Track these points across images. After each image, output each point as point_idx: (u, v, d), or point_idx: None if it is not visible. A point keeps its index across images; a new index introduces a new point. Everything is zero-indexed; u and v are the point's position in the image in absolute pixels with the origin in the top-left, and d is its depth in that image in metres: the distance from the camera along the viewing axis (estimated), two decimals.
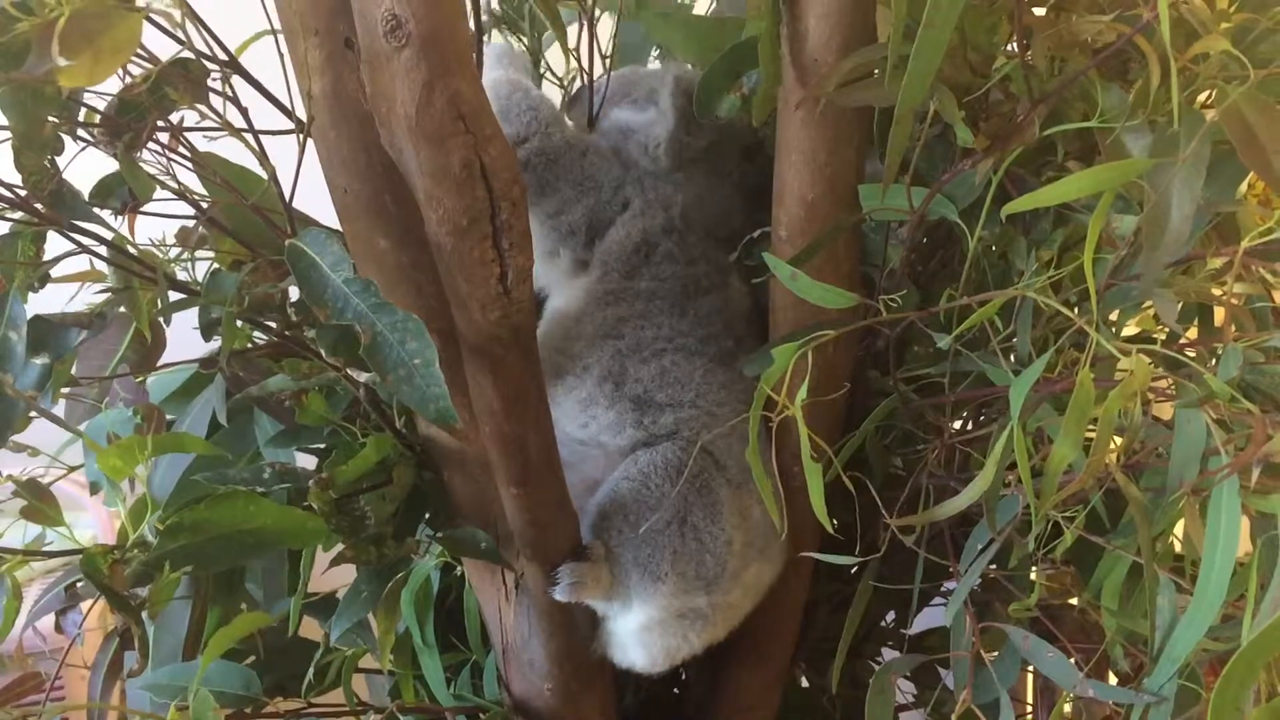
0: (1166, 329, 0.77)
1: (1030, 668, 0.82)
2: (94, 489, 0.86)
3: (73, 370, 0.83)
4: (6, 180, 0.75)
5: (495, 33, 1.07)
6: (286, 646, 0.95)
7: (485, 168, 0.65)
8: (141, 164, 0.78)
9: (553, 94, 1.01)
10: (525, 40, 1.08)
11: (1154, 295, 0.65)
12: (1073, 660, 0.75)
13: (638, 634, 0.88)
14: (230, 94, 0.76)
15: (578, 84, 1.04)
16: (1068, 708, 0.83)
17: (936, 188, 0.73)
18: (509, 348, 0.73)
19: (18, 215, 0.76)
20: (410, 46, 0.62)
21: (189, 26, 0.70)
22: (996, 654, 0.80)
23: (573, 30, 1.00)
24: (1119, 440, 0.68)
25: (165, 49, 0.73)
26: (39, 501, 0.80)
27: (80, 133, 0.76)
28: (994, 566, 0.85)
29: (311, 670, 0.93)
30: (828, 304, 0.73)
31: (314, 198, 0.80)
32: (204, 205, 0.86)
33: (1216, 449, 0.61)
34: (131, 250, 0.82)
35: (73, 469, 0.94)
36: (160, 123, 0.76)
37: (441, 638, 0.93)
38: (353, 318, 0.67)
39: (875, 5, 0.72)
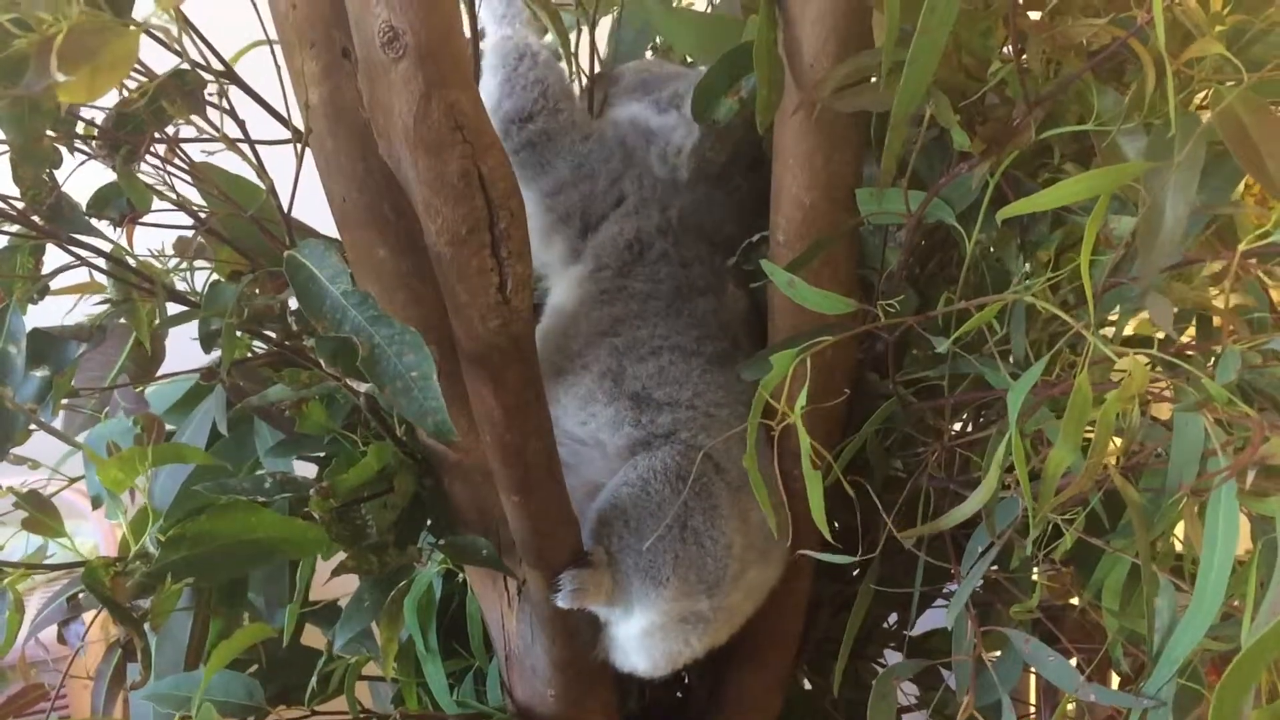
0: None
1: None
2: (95, 503, 0.86)
3: (72, 382, 0.84)
4: (5, 194, 0.76)
5: None
6: (289, 655, 0.95)
7: (483, 177, 0.66)
8: (139, 175, 0.78)
9: None
10: None
11: (1149, 300, 0.65)
12: (1074, 662, 0.75)
13: (640, 638, 0.88)
14: (227, 106, 0.76)
15: (577, 87, 1.04)
16: (1071, 707, 0.84)
17: (934, 191, 0.73)
18: (508, 356, 0.73)
19: (16, 228, 0.77)
20: (407, 58, 0.62)
21: (185, 39, 0.70)
22: (998, 655, 0.80)
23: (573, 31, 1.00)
24: (1118, 442, 0.69)
25: (163, 61, 0.73)
26: (40, 513, 0.80)
27: (78, 145, 0.76)
28: (995, 568, 0.85)
29: (315, 678, 0.93)
30: (826, 310, 0.73)
31: (312, 207, 0.80)
32: (202, 216, 0.86)
33: (1215, 451, 0.61)
34: (130, 262, 0.82)
35: (73, 480, 0.94)
36: (158, 134, 0.76)
37: (444, 645, 0.93)
38: (351, 330, 0.67)
39: (870, 11, 0.72)
